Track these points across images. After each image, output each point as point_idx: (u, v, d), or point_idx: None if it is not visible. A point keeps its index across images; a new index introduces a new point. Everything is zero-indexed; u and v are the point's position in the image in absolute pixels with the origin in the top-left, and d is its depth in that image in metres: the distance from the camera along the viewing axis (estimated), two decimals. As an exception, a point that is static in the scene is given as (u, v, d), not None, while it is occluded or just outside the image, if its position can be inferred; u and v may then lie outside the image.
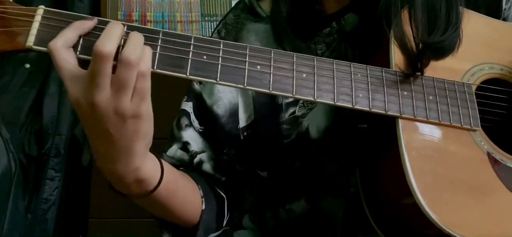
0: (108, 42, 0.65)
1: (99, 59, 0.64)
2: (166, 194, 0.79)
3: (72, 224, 1.82)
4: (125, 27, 0.70)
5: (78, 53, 0.68)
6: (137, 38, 0.67)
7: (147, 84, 0.67)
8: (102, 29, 0.67)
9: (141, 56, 0.66)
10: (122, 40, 0.67)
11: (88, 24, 0.69)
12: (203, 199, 0.88)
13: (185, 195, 0.85)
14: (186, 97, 0.96)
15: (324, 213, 0.91)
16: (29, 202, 1.65)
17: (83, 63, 0.68)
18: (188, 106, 0.94)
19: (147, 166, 0.74)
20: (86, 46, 0.68)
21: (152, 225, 1.80)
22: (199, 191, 0.88)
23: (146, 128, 0.69)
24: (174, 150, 0.94)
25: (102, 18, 0.70)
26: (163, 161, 0.79)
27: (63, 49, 0.66)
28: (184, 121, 0.94)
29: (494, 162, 0.79)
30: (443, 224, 0.71)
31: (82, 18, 0.69)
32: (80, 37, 0.68)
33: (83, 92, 0.66)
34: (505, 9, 0.94)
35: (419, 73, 0.79)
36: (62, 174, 1.70)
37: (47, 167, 1.68)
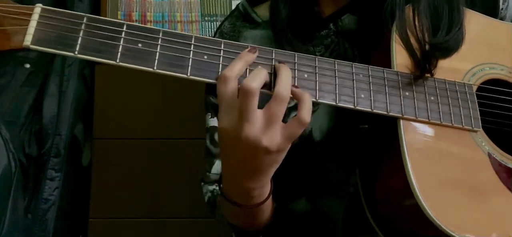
0: (254, 80, 0.68)
1: (245, 94, 0.67)
2: (269, 203, 0.82)
3: (72, 224, 1.81)
4: (272, 69, 0.73)
5: (76, 52, 0.67)
6: (288, 74, 0.70)
7: None
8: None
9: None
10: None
11: (252, 56, 0.72)
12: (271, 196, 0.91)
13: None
14: (208, 113, 0.97)
15: (324, 213, 0.91)
16: (29, 202, 1.65)
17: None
18: (214, 121, 0.95)
19: (270, 182, 0.78)
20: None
21: (151, 225, 1.80)
22: None
23: (284, 156, 0.72)
24: (218, 166, 0.95)
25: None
26: None
27: (235, 79, 0.69)
28: (216, 136, 0.94)
29: (495, 163, 0.79)
30: (444, 225, 0.71)
31: (80, 17, 0.69)
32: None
33: (233, 124, 0.68)
34: (502, 9, 0.94)
35: (429, 75, 0.79)
36: (62, 174, 1.70)
37: (47, 167, 1.68)
